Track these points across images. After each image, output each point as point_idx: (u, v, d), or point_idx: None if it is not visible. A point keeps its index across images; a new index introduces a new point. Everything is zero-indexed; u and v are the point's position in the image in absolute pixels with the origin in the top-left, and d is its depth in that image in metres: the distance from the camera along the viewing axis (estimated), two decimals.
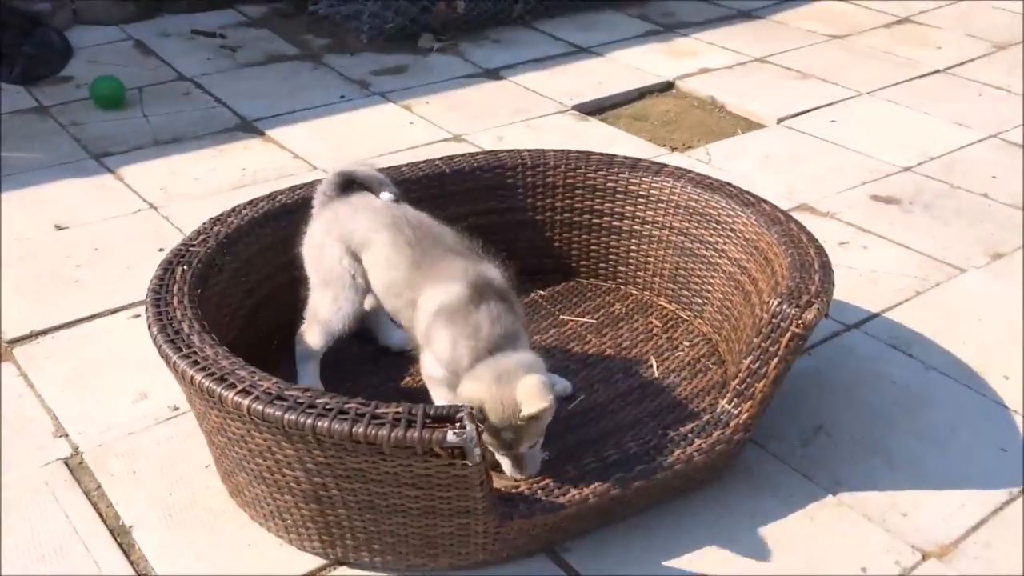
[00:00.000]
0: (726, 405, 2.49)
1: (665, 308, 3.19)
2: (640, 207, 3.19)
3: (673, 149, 4.75)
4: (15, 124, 4.73)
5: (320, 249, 2.49)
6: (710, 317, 3.05)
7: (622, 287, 3.30)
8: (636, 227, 3.21)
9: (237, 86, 5.23)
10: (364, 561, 2.24)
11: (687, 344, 3.02)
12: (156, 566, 2.24)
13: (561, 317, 3.12)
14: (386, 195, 2.54)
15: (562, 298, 3.23)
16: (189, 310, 2.26)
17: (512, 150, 3.30)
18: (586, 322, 3.10)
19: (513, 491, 2.21)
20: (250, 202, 2.80)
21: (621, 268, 3.29)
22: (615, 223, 3.24)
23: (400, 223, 2.41)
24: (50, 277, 3.44)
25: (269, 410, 1.96)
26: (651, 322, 3.11)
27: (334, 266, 2.47)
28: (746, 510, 2.48)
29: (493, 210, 3.22)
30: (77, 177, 4.25)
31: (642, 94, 5.45)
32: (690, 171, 3.18)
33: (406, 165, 3.16)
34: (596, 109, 5.23)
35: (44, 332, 3.12)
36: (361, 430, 1.92)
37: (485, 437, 2.17)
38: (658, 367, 2.90)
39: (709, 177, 3.13)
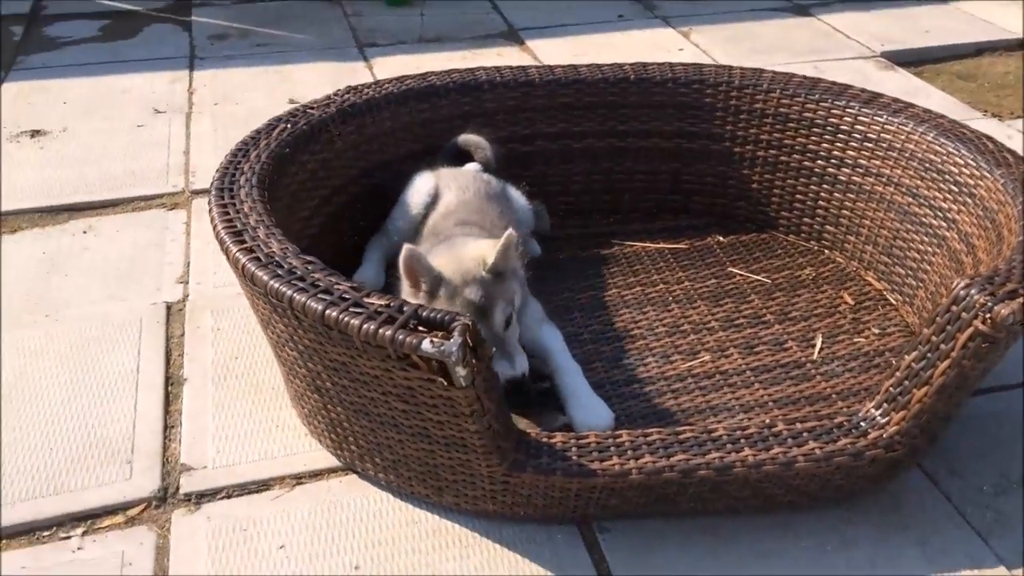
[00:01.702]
0: (872, 410, 1.87)
1: (870, 285, 2.51)
2: (865, 153, 2.51)
3: (994, 116, 3.82)
4: (306, 8, 4.94)
5: (415, 177, 2.47)
6: (920, 305, 2.34)
7: (826, 250, 2.66)
8: (856, 178, 2.54)
9: None
10: (369, 474, 1.97)
11: (876, 331, 2.34)
12: (184, 421, 2.14)
13: (729, 268, 2.57)
14: (472, 164, 2.54)
15: (744, 249, 2.67)
16: (259, 168, 2.08)
17: (722, 65, 2.75)
18: (758, 280, 2.53)
19: (541, 439, 1.80)
20: (377, 82, 2.58)
21: (829, 228, 2.64)
22: (831, 169, 2.60)
23: (467, 191, 2.39)
24: None
25: (259, 273, 1.73)
26: (842, 297, 2.46)
27: (416, 189, 2.43)
28: (868, 553, 1.86)
29: (682, 133, 2.72)
30: (332, 61, 4.33)
31: (980, 50, 4.49)
32: (942, 116, 2.44)
33: (587, 66, 2.75)
34: (913, 60, 4.39)
35: None
36: (334, 314, 1.63)
37: (448, 304, 1.92)
38: (822, 350, 2.27)
39: (963, 126, 2.38)
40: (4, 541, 1.86)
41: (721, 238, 2.71)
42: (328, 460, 2.04)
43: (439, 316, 1.63)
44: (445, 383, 1.60)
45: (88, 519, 1.92)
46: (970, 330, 1.72)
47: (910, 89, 4.03)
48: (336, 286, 1.70)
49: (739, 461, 1.78)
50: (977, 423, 2.16)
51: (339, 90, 2.52)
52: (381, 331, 1.59)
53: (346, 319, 1.61)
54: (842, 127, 2.55)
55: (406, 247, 1.90)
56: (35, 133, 3.59)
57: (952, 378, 1.76)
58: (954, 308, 1.74)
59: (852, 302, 2.44)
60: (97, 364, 2.32)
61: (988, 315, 1.69)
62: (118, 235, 2.92)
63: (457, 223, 2.21)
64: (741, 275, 2.55)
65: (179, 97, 3.93)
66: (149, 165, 3.34)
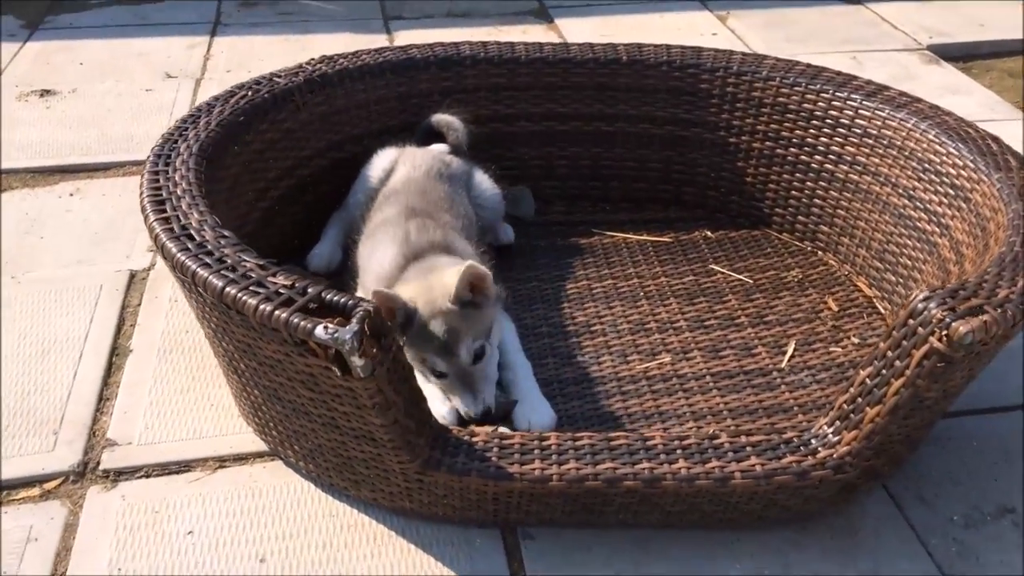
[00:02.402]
0: (825, 427, 1.72)
1: (859, 292, 2.34)
2: (864, 150, 2.34)
3: None
4: None
5: (378, 151, 2.42)
6: None
7: (819, 252, 2.49)
8: (853, 176, 2.37)
9: None
10: (291, 461, 1.89)
11: (856, 341, 2.18)
12: (120, 393, 2.09)
13: (711, 265, 2.42)
14: (441, 146, 2.45)
15: (731, 246, 2.51)
16: (204, 136, 2.01)
17: (722, 50, 2.59)
18: (739, 280, 2.38)
19: (461, 438, 1.70)
20: (354, 53, 2.48)
21: (823, 228, 2.47)
22: (828, 165, 2.42)
23: (418, 169, 2.29)
24: None
25: (169, 244, 1.66)
26: (826, 303, 2.30)
27: (374, 164, 2.38)
28: None
29: (674, 120, 2.57)
30: (354, 33, 4.26)
31: None
32: (948, 113, 2.25)
33: (578, 45, 2.61)
34: (961, 54, 4.13)
35: None
36: (232, 292, 1.55)
37: (415, 349, 1.83)
38: (792, 358, 2.12)
39: (969, 124, 2.18)
40: None
41: (709, 233, 2.56)
42: (256, 444, 1.97)
43: (341, 300, 1.53)
44: (340, 372, 1.50)
45: (4, 490, 1.88)
46: (925, 347, 1.56)
47: (951, 85, 3.79)
48: (243, 263, 1.62)
49: (670, 473, 1.66)
50: (957, 446, 1.99)
51: (312, 59, 2.44)
52: (277, 313, 1.50)
53: (244, 298, 1.53)
54: (842, 120, 2.37)
55: (374, 292, 1.73)
56: (44, 93, 3.60)
57: (906, 398, 1.61)
58: (911, 322, 1.58)
59: (836, 308, 2.28)
60: (46, 329, 2.29)
61: (945, 332, 1.53)
62: (103, 199, 2.90)
63: (397, 205, 2.11)
64: (722, 273, 2.40)
65: (194, 63, 3.90)
66: (148, 130, 3.31)
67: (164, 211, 1.75)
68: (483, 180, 2.41)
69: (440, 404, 1.85)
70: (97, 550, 1.75)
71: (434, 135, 2.47)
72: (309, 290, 1.56)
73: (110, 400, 2.09)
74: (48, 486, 1.89)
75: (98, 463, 1.93)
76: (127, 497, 1.86)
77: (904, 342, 1.59)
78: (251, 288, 1.55)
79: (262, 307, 1.51)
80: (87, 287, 2.44)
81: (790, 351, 2.13)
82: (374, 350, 1.50)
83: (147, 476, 1.91)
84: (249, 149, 2.13)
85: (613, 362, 2.09)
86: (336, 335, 1.46)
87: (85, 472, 1.91)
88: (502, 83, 2.55)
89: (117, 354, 2.23)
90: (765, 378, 2.06)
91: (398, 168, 2.29)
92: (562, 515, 1.76)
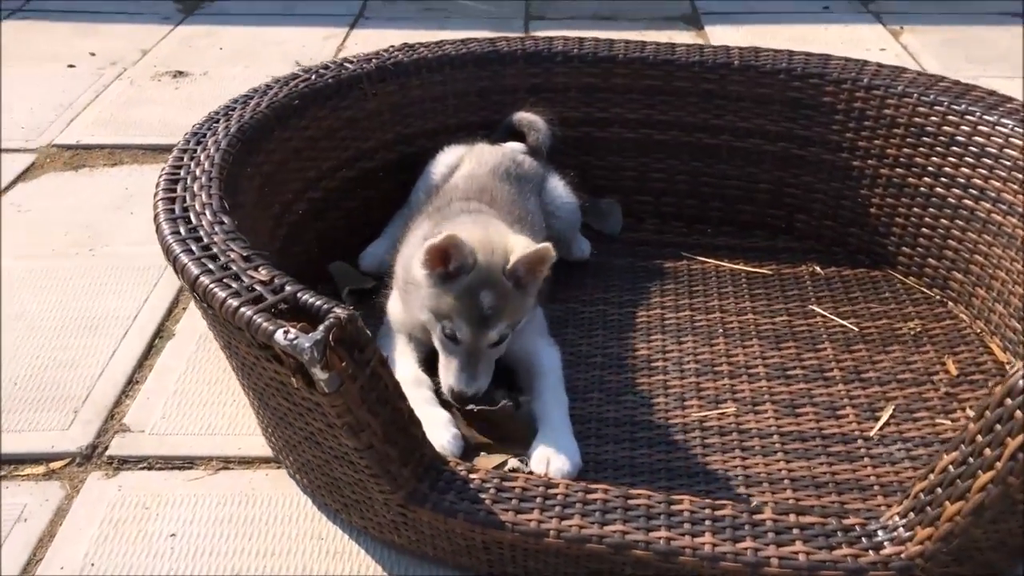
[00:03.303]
0: (897, 517, 1.41)
1: (990, 355, 1.96)
2: (1012, 186, 1.96)
3: None
4: None
5: (440, 151, 2.24)
6: None
7: (948, 303, 2.11)
8: (996, 216, 1.98)
9: None
10: (289, 472, 1.74)
11: (972, 415, 1.79)
12: (150, 377, 2.03)
13: (811, 306, 2.09)
14: (517, 145, 2.25)
15: (840, 285, 2.17)
16: (248, 119, 1.91)
17: (853, 59, 2.25)
18: (841, 326, 2.04)
19: (455, 472, 1.49)
20: (438, 42, 2.32)
21: (956, 275, 2.09)
22: (967, 201, 2.05)
23: (483, 166, 2.09)
24: None
25: (164, 225, 1.55)
26: (944, 364, 1.92)
27: (439, 160, 2.21)
28: None
29: (790, 135, 2.26)
30: (489, 31, 4.08)
31: None
32: None
33: (687, 46, 2.34)
34: None
35: None
36: (205, 282, 1.41)
37: (444, 305, 1.68)
38: (886, 425, 1.77)
39: None
40: None
41: (818, 268, 2.22)
42: (264, 448, 1.84)
43: (315, 303, 1.36)
44: (305, 384, 1.33)
45: (11, 464, 1.83)
46: (1022, 437, 1.21)
47: None
48: (229, 252, 1.48)
49: (690, 548, 1.39)
50: None
51: (391, 46, 2.29)
52: (242, 311, 1.35)
53: (214, 290, 1.39)
54: (988, 148, 1.99)
55: (447, 234, 1.62)
56: (178, 74, 3.67)
57: (994, 497, 1.27)
58: (1008, 402, 1.24)
59: (955, 372, 1.90)
60: (101, 305, 2.26)
61: None
62: None
63: (458, 199, 1.92)
64: (823, 316, 2.07)
65: (325, 53, 3.88)
66: None
67: (173, 191, 1.65)
68: (558, 187, 2.19)
69: (443, 430, 1.65)
70: (78, 541, 1.66)
71: (515, 134, 2.27)
72: (287, 288, 1.40)
73: (139, 383, 2.02)
74: (54, 465, 1.83)
75: (106, 448, 1.86)
76: (123, 488, 1.77)
77: (998, 426, 1.25)
78: (225, 280, 1.41)
79: (229, 302, 1.36)
80: (151, 267, 2.40)
81: (885, 417, 1.79)
82: (343, 363, 1.32)
83: (149, 468, 1.81)
84: (301, 135, 2.01)
85: (667, 405, 1.82)
86: (295, 342, 1.29)
87: (92, 456, 1.84)
88: (596, 83, 2.32)
89: (160, 337, 2.16)
90: (846, 446, 1.73)
91: (463, 165, 2.11)
92: (559, 572, 1.52)
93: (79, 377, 2.03)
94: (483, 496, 1.47)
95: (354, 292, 2.08)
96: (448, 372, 1.69)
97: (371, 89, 2.17)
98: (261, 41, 4.02)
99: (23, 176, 2.88)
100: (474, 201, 1.89)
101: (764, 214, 2.36)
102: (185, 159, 1.75)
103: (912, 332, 2.02)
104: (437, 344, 1.73)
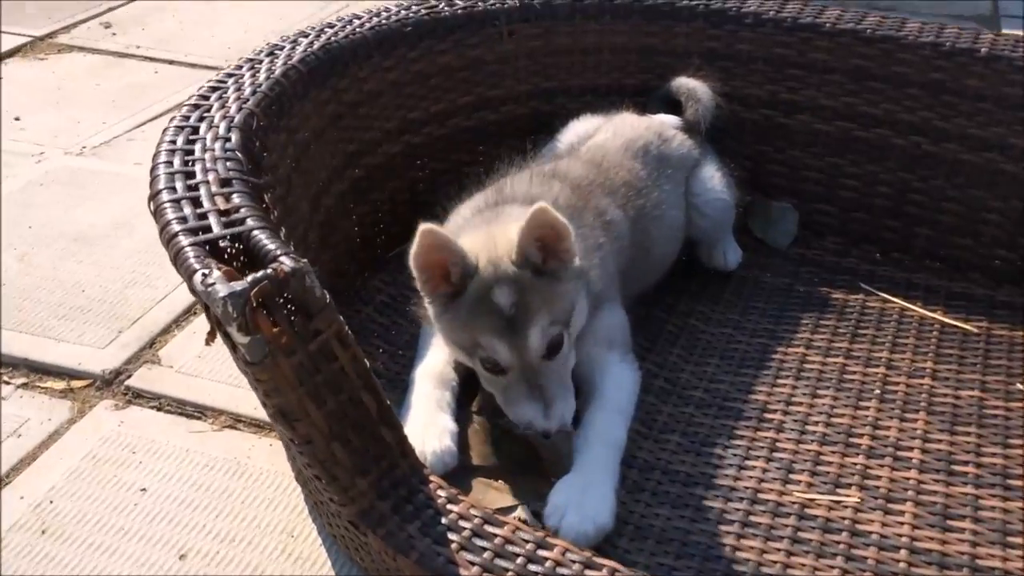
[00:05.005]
0: None
1: None
2: None
3: None
4: None
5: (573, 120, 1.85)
6: None
7: None
8: None
9: None
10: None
11: None
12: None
13: (1018, 385, 1.52)
14: (668, 117, 1.82)
15: None
16: (317, 49, 1.64)
17: None
18: None
19: (431, 497, 1.15)
20: None
21: None
22: None
23: (617, 138, 1.69)
24: None
25: (160, 150, 1.31)
26: None
27: (570, 128, 1.81)
28: None
29: (944, 135, 1.68)
30: None
31: None
32: None
33: (918, 24, 1.81)
34: None
35: None
36: (164, 198, 1.16)
37: (466, 329, 1.29)
38: None
39: None
40: None
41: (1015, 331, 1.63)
42: None
43: (265, 246, 1.06)
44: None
45: (38, 372, 1.72)
46: None
47: None
48: (211, 171, 1.21)
49: None
50: None
51: None
52: (178, 239, 1.08)
53: (165, 208, 1.13)
54: None
55: (423, 225, 1.25)
56: None
57: None
58: None
59: None
60: None
61: None
62: None
63: (557, 176, 1.54)
64: None
65: None
66: None
67: (187, 118, 1.39)
68: (713, 177, 1.75)
69: (433, 439, 1.30)
70: (52, 471, 1.51)
71: (671, 105, 1.85)
72: (247, 223, 1.11)
73: (196, 315, 1.84)
74: (75, 384, 1.69)
75: (128, 376, 1.69)
76: (123, 424, 1.59)
77: None
78: (182, 201, 1.14)
79: (172, 227, 1.10)
80: None
81: None
82: (276, 329, 1.01)
83: (158, 409, 1.63)
84: (408, 68, 1.72)
85: (764, 474, 1.36)
86: (211, 288, 0.99)
87: (112, 383, 1.69)
88: (789, 56, 1.85)
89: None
90: None
91: (596, 136, 1.73)
92: None
93: (141, 299, 1.89)
94: (453, 538, 1.11)
95: None
96: (512, 408, 1.29)
97: (507, 28, 1.84)
98: None
99: None
100: (557, 183, 1.49)
101: (991, 255, 1.78)
102: (222, 84, 1.49)
103: None
104: (488, 387, 1.34)
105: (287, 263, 1.03)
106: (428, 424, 1.31)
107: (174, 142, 1.28)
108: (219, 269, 1.02)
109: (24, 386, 1.68)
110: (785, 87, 1.87)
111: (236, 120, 1.35)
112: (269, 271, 1.02)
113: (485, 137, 1.90)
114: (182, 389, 1.65)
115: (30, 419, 1.60)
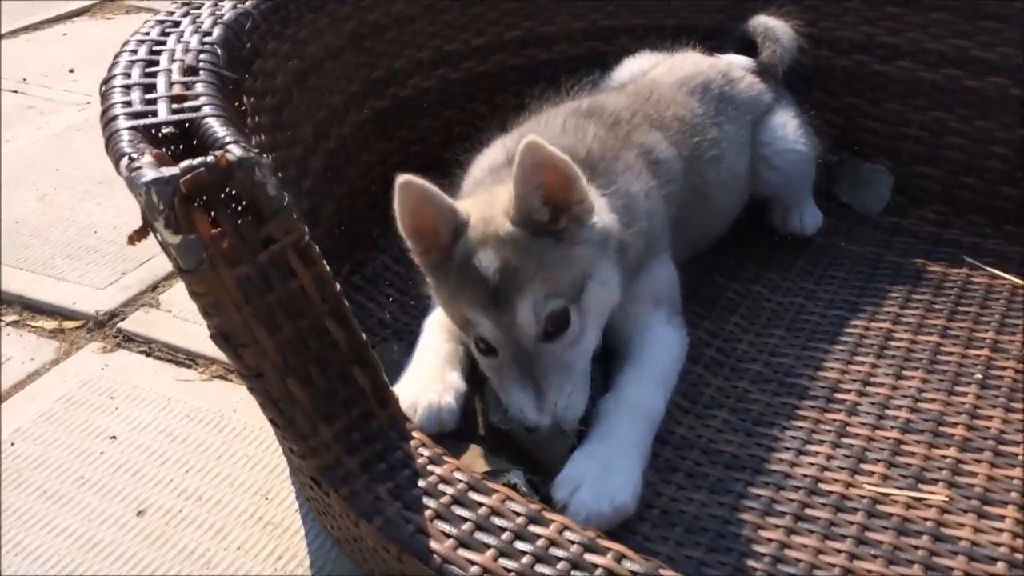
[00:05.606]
0: None
1: None
2: None
3: None
4: None
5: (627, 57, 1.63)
6: None
7: None
8: None
9: None
10: None
11: None
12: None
13: None
14: (739, 58, 1.57)
15: None
16: None
17: None
18: None
19: (408, 456, 0.95)
20: None
21: None
22: None
23: (672, 73, 1.47)
24: None
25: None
26: None
27: (624, 65, 1.60)
28: None
29: None
30: None
31: None
32: None
33: None
34: None
35: None
36: (116, 83, 0.99)
37: (457, 301, 1.07)
38: None
39: None
40: None
41: None
42: None
43: (214, 134, 0.88)
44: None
45: (31, 311, 1.59)
46: None
47: None
48: (178, 61, 1.04)
49: None
50: None
51: None
52: (117, 121, 0.91)
53: (113, 90, 0.96)
54: None
55: (400, 177, 1.04)
56: None
57: None
58: None
59: None
60: None
61: None
62: None
63: (594, 114, 1.30)
64: None
65: None
66: None
67: (173, 14, 1.22)
68: (788, 125, 1.50)
69: (428, 390, 1.07)
70: (22, 412, 1.37)
71: (747, 47, 1.61)
72: (204, 110, 0.93)
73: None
74: (67, 324, 1.56)
75: (123, 319, 1.54)
76: (107, 368, 1.44)
77: None
78: (136, 86, 0.97)
79: (114, 109, 0.93)
80: None
81: None
82: (214, 230, 0.83)
83: (148, 354, 1.47)
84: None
85: (829, 462, 1.11)
86: (136, 172, 0.82)
87: (105, 324, 1.54)
88: None
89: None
90: None
91: (649, 73, 1.51)
92: None
93: (152, 241, 1.74)
94: (429, 504, 0.91)
95: None
96: (504, 394, 1.05)
97: None
98: None
99: None
100: (592, 125, 1.25)
101: None
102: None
103: None
104: (485, 371, 1.10)
105: (235, 151, 0.85)
106: (431, 378, 1.09)
107: (147, 33, 1.12)
108: (151, 154, 0.84)
109: (15, 324, 1.55)
110: (885, 28, 1.61)
111: (226, 17, 1.18)
112: (209, 158, 0.83)
113: (534, 79, 1.68)
114: (176, 335, 1.50)
115: (12, 358, 1.47)
